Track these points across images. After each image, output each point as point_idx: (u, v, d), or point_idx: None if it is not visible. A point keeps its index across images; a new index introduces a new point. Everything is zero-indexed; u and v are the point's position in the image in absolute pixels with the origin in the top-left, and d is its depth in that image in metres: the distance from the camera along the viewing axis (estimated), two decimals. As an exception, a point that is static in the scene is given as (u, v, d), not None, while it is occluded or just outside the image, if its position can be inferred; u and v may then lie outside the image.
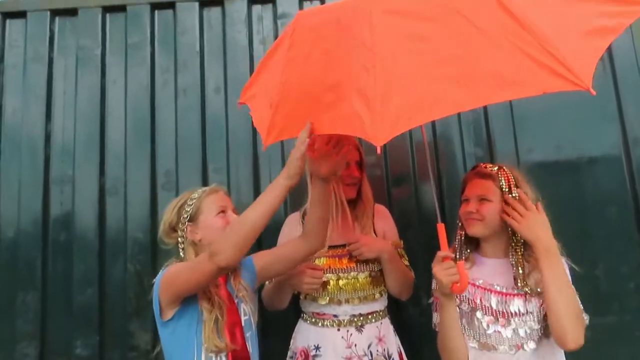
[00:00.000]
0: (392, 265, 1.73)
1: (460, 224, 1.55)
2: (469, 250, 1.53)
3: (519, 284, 1.37)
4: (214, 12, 2.50)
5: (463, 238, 1.53)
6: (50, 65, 2.45)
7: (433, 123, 2.36)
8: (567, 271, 1.38)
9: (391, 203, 2.25)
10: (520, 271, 1.38)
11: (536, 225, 1.34)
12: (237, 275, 1.53)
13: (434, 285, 1.54)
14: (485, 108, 2.32)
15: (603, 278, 2.20)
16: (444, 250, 1.31)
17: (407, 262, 1.82)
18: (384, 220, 1.87)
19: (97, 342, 2.19)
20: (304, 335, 1.76)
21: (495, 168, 1.48)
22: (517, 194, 1.40)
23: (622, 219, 2.23)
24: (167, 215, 1.56)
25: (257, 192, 2.30)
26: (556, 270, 1.31)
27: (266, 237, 2.16)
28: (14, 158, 2.35)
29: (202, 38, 2.48)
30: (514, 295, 1.39)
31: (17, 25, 2.50)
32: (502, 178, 1.44)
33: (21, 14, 2.49)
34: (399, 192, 2.31)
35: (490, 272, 1.46)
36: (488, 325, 1.40)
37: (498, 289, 1.42)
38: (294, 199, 2.24)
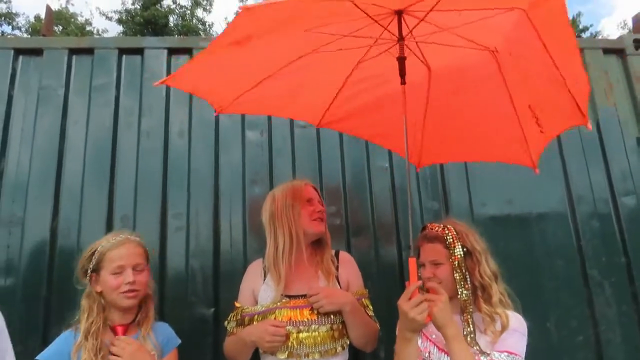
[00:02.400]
0: (355, 318, 1.69)
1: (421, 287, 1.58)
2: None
3: (470, 342, 1.40)
4: (182, 60, 2.55)
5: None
6: (10, 103, 2.40)
7: (392, 175, 2.44)
8: (520, 337, 1.42)
9: (351, 253, 2.26)
10: (471, 329, 1.42)
11: (443, 312, 1.36)
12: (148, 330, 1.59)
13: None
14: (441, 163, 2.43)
15: (554, 331, 2.27)
16: (414, 282, 1.35)
17: (371, 312, 1.79)
18: (348, 269, 1.84)
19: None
20: None
21: (441, 227, 1.55)
22: (461, 253, 1.47)
23: (569, 273, 2.34)
24: (82, 258, 1.63)
25: (217, 238, 2.28)
26: (461, 354, 1.34)
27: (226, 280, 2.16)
28: (-39, 196, 2.25)
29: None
30: None
31: (-23, 62, 2.45)
32: (448, 238, 1.51)
33: (-18, 51, 2.46)
34: (359, 242, 2.34)
35: None
36: None
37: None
38: (258, 244, 2.25)
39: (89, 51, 2.51)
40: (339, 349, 1.70)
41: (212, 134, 2.43)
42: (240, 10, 1.08)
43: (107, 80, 2.47)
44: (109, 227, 2.24)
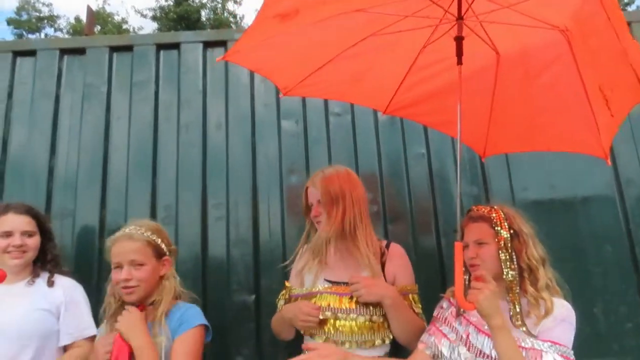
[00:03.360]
0: (397, 313, 1.64)
1: (464, 269, 1.54)
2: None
3: (516, 322, 1.37)
4: (217, 52, 2.59)
5: (467, 283, 1.53)
6: (57, 101, 2.52)
7: (429, 161, 2.41)
8: (567, 327, 1.38)
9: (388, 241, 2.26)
10: (518, 309, 1.39)
11: (490, 301, 1.32)
12: (161, 315, 1.58)
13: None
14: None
15: (601, 318, 2.20)
16: (457, 272, 1.36)
17: (419, 309, 1.73)
18: (396, 262, 1.76)
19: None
20: None
21: (487, 209, 1.52)
22: (507, 234, 1.44)
23: (618, 258, 2.25)
24: None
25: (255, 227, 2.33)
26: (505, 346, 1.30)
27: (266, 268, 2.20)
28: (18, 191, 2.38)
29: (205, 77, 2.56)
30: None
31: (27, 62, 2.58)
32: (493, 217, 1.48)
33: (31, 53, 2.58)
34: (396, 229, 2.33)
35: None
36: None
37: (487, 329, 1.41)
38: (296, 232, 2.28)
39: (129, 48, 2.59)
40: (378, 341, 1.66)
41: (248, 125, 2.47)
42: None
43: (146, 76, 2.55)
44: (153, 217, 2.33)
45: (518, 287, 1.41)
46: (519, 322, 1.37)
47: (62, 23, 24.39)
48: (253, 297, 2.25)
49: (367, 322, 1.64)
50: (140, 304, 1.59)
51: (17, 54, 2.59)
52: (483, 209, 1.54)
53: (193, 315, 1.61)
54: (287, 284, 1.89)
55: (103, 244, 2.29)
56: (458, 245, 1.38)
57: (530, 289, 1.40)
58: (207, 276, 2.27)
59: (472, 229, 1.52)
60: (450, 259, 2.25)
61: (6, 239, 1.77)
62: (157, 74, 2.56)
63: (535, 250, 1.45)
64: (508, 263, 1.42)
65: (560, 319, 1.37)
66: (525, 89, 1.66)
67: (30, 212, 1.86)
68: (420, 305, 1.75)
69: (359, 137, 2.45)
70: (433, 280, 2.25)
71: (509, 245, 1.44)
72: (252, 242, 2.31)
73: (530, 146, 1.94)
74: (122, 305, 1.60)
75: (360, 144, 2.44)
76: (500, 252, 1.44)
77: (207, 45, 2.60)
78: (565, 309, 1.40)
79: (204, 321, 1.62)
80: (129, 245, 1.58)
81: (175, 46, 2.59)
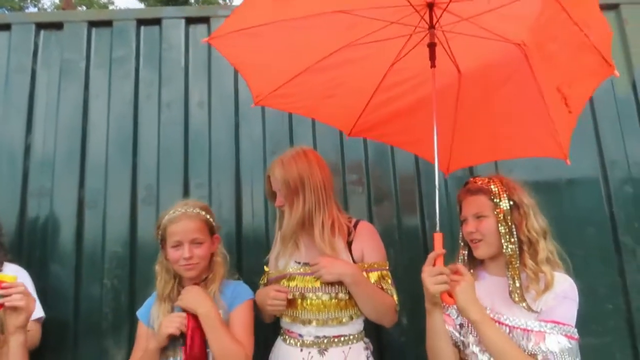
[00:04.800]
0: (358, 289, 1.63)
1: (462, 244, 1.54)
2: (471, 271, 1.50)
3: (515, 298, 1.34)
4: (199, 29, 2.52)
5: (466, 258, 1.52)
6: (33, 77, 2.43)
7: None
8: (570, 304, 1.33)
9: (372, 221, 2.25)
10: (517, 284, 1.35)
11: (466, 294, 1.29)
12: (215, 290, 1.63)
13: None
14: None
15: (582, 299, 2.20)
16: (437, 263, 1.29)
17: (387, 285, 1.71)
18: (363, 239, 1.75)
19: (71, 359, 2.14)
20: (277, 351, 1.75)
21: (485, 180, 1.48)
22: (507, 206, 1.40)
23: (599, 240, 2.26)
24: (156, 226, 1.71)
25: (238, 207, 2.30)
26: (491, 340, 1.27)
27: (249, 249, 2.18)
28: (-8, 169, 2.31)
29: (187, 54, 2.49)
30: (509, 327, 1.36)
31: (1, 37, 2.48)
32: (493, 189, 1.43)
33: (6, 27, 2.49)
34: (381, 210, 2.31)
35: (489, 290, 1.44)
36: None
37: (499, 317, 1.38)
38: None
39: (108, 23, 2.50)
40: (346, 319, 1.66)
41: (231, 104, 2.42)
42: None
43: (126, 52, 2.47)
44: (134, 196, 2.29)
45: (518, 261, 1.37)
46: (518, 298, 1.34)
47: (46, 2, 23.75)
48: (236, 277, 2.22)
49: (333, 300, 1.66)
50: (194, 283, 1.64)
51: (-9, 28, 2.49)
52: (481, 181, 1.49)
53: (244, 290, 1.70)
54: (265, 268, 1.90)
55: (82, 224, 2.27)
56: (437, 237, 1.33)
57: (529, 262, 1.36)
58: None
59: (471, 202, 1.47)
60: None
61: None
62: (138, 51, 2.48)
63: (536, 222, 1.41)
64: (507, 236, 1.39)
65: (562, 296, 1.32)
66: (486, 102, 1.69)
67: None
68: (389, 281, 1.73)
69: (344, 117, 2.40)
70: (417, 261, 2.22)
71: (509, 217, 1.40)
72: (234, 223, 2.28)
73: (493, 156, 2.02)
74: (179, 283, 1.66)
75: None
76: (499, 225, 1.39)
77: (190, 21, 2.52)
78: (567, 284, 1.36)
79: (253, 295, 1.71)
80: (188, 225, 1.62)
81: (157, 22, 2.51)
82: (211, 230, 1.72)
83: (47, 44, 2.49)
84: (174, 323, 1.52)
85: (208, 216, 1.70)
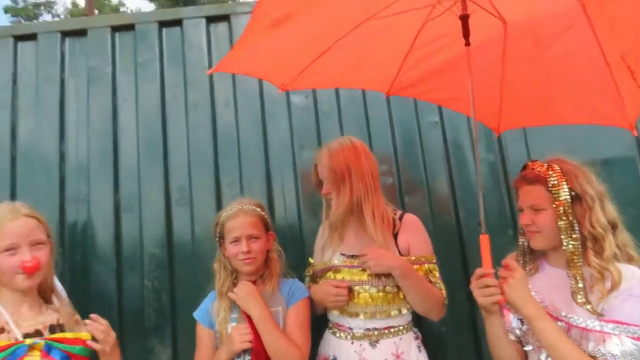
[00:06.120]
0: (407, 282, 1.63)
1: (521, 232, 1.44)
2: (530, 260, 1.43)
3: (578, 300, 1.23)
4: (220, 27, 2.53)
5: (526, 246, 1.43)
6: (62, 86, 2.48)
7: (443, 129, 2.36)
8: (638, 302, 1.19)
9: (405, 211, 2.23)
10: (581, 285, 1.23)
11: (516, 291, 1.24)
12: (273, 286, 1.71)
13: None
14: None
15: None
16: (485, 268, 1.27)
17: (435, 279, 1.71)
18: (409, 232, 1.75)
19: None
20: (326, 343, 1.78)
21: (544, 167, 1.33)
22: (568, 197, 1.26)
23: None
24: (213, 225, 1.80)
25: (270, 203, 2.31)
26: (545, 336, 1.21)
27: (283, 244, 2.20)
28: (29, 178, 2.37)
29: (209, 53, 2.50)
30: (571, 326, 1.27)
31: (28, 47, 2.53)
32: (551, 179, 1.29)
33: (32, 37, 2.53)
34: (413, 201, 2.30)
35: (549, 284, 1.36)
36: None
37: (557, 314, 1.30)
38: (311, 208, 2.27)
39: (130, 27, 2.52)
40: (394, 312, 1.67)
41: (257, 102, 2.42)
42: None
43: (150, 55, 2.49)
44: (167, 198, 2.33)
45: (580, 259, 1.25)
46: (582, 300, 1.22)
47: (59, 9, 24.09)
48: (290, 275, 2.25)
49: (380, 293, 1.66)
50: (251, 280, 1.70)
51: (18, 38, 2.53)
52: (539, 167, 1.34)
53: (300, 289, 1.75)
54: (310, 260, 1.92)
55: (119, 228, 2.31)
56: (484, 238, 1.29)
57: (594, 260, 1.22)
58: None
59: (527, 193, 1.36)
60: (469, 229, 2.25)
61: None
62: (161, 53, 2.50)
63: (602, 215, 1.26)
64: (568, 232, 1.26)
65: (629, 294, 1.19)
66: (536, 59, 1.58)
67: None
68: (437, 275, 1.73)
69: (370, 108, 2.39)
70: (452, 251, 2.23)
71: (570, 211, 1.26)
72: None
73: (545, 119, 1.87)
74: (235, 278, 1.75)
75: (372, 116, 2.39)
76: (559, 219, 1.27)
77: (210, 20, 2.52)
78: (635, 280, 1.21)
79: (309, 293, 1.75)
80: (245, 220, 1.70)
81: (178, 23, 2.52)
82: (266, 226, 1.79)
83: (73, 51, 2.53)
84: (245, 337, 1.59)
85: (263, 213, 1.78)
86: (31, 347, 1.33)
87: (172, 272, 2.27)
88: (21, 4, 23.32)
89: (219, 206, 2.30)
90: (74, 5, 23.69)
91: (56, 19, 23.55)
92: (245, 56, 1.46)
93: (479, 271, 1.28)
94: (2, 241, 1.36)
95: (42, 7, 23.75)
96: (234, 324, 1.69)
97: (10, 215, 1.39)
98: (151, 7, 21.46)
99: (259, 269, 1.73)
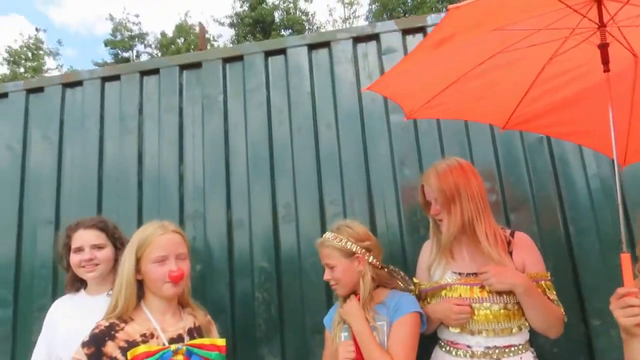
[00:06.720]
0: (530, 299, 1.62)
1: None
2: None
3: None
4: (321, 54, 2.68)
5: None
6: (181, 114, 2.75)
7: (550, 146, 2.31)
8: None
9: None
10: None
11: None
12: (372, 302, 1.74)
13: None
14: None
15: None
16: (627, 287, 1.24)
17: (553, 296, 1.70)
18: (523, 250, 1.76)
19: (230, 366, 2.37)
20: None
21: None
22: None
23: None
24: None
25: (372, 221, 2.38)
26: None
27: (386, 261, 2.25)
28: (154, 198, 2.65)
29: (312, 78, 2.65)
30: None
31: (152, 80, 2.85)
32: None
33: (155, 71, 2.84)
34: (519, 218, 2.25)
35: None
36: None
37: None
38: (412, 225, 2.31)
39: (239, 58, 2.75)
40: (515, 329, 1.66)
41: (357, 122, 2.52)
42: (448, 10, 1.11)
43: (257, 83, 2.69)
44: (275, 215, 2.48)
45: None
46: None
47: (150, 39, 26.32)
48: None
49: (502, 310, 1.66)
50: (357, 294, 1.80)
51: (143, 73, 2.86)
52: None
53: (407, 302, 1.75)
54: (415, 280, 1.95)
55: (231, 242, 2.50)
56: (625, 257, 1.26)
57: None
58: (328, 270, 2.36)
59: None
60: (581, 248, 2.17)
61: (78, 254, 1.88)
62: (267, 80, 2.70)
63: None
64: None
65: None
66: None
67: (98, 225, 1.95)
68: (554, 292, 1.72)
69: (471, 125, 2.39)
70: (563, 270, 2.15)
71: None
72: (370, 236, 2.37)
73: None
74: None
75: (473, 132, 2.38)
76: None
77: (312, 47, 2.68)
78: None
79: (418, 309, 1.74)
80: (322, 250, 1.85)
81: (282, 51, 2.70)
82: (347, 253, 1.80)
83: (190, 82, 2.80)
84: (349, 354, 1.68)
85: (338, 241, 1.80)
86: (175, 352, 1.49)
87: (279, 284, 2.41)
88: (118, 37, 25.86)
89: (323, 223, 2.42)
90: (162, 35, 25.84)
91: (148, 48, 25.77)
92: (392, 79, 1.57)
93: (620, 290, 1.24)
94: (154, 253, 1.55)
95: (136, 39, 26.13)
96: (346, 333, 1.78)
97: (161, 230, 1.59)
98: (231, 32, 22.82)
99: (352, 288, 1.81)
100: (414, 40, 2.58)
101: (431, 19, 2.57)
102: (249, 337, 2.37)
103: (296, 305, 2.36)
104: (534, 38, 1.47)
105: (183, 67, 2.83)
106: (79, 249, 1.89)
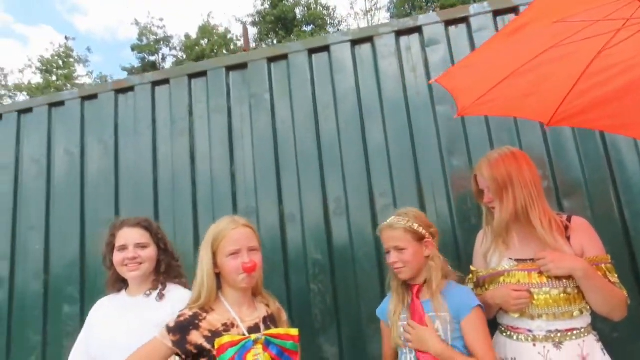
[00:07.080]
0: (590, 283, 1.63)
1: None
2: None
3: None
4: (364, 49, 2.72)
5: None
6: (229, 114, 2.84)
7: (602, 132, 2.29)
8: None
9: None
10: None
11: None
12: (438, 299, 1.73)
13: None
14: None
15: None
16: None
17: (615, 279, 1.70)
18: (581, 234, 1.76)
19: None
20: (500, 347, 1.80)
21: None
22: None
23: None
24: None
25: (422, 209, 2.40)
26: None
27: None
28: (207, 197, 2.75)
29: (356, 73, 2.70)
30: None
31: (200, 82, 2.95)
32: None
33: (202, 73, 2.95)
34: (572, 204, 2.25)
35: None
36: None
37: None
38: (463, 214, 2.34)
39: (284, 57, 2.83)
40: (576, 312, 1.67)
41: (404, 114, 2.56)
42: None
43: (302, 80, 2.76)
44: (326, 208, 2.55)
45: None
46: None
47: (174, 42, 26.79)
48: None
49: (561, 294, 1.67)
50: (415, 284, 1.81)
51: (191, 76, 2.97)
52: None
53: (470, 297, 1.75)
54: (472, 267, 1.98)
55: (285, 236, 2.58)
56: None
57: None
58: (381, 259, 2.41)
59: None
60: (637, 231, 2.16)
61: (122, 252, 1.88)
62: (312, 77, 2.76)
63: None
64: None
65: None
66: None
67: (142, 224, 1.96)
68: (616, 275, 1.71)
69: (519, 113, 2.40)
70: (620, 255, 2.14)
71: None
72: (421, 226, 2.41)
73: None
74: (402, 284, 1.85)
75: (521, 120, 2.39)
76: None
77: (355, 42, 2.73)
78: None
79: (479, 301, 1.74)
80: (391, 234, 1.82)
81: (326, 48, 2.76)
82: (418, 236, 1.82)
83: (236, 83, 2.89)
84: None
85: (411, 224, 1.81)
86: (255, 342, 1.57)
87: (333, 276, 2.48)
88: (145, 42, 26.43)
89: (374, 215, 2.48)
90: (187, 37, 26.27)
91: (173, 51, 26.23)
92: (457, 71, 1.61)
93: None
94: (227, 247, 1.64)
95: (162, 42, 26.65)
96: (404, 323, 1.82)
97: (233, 225, 1.68)
98: (254, 30, 23.00)
99: (417, 274, 1.80)
100: (456, 31, 2.60)
101: (474, 8, 2.58)
102: (306, 328, 2.44)
103: (351, 295, 2.43)
104: (587, 31, 1.47)
105: (229, 68, 2.92)
106: (123, 247, 1.89)
